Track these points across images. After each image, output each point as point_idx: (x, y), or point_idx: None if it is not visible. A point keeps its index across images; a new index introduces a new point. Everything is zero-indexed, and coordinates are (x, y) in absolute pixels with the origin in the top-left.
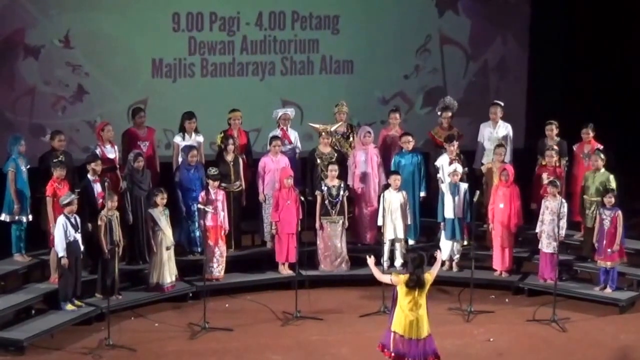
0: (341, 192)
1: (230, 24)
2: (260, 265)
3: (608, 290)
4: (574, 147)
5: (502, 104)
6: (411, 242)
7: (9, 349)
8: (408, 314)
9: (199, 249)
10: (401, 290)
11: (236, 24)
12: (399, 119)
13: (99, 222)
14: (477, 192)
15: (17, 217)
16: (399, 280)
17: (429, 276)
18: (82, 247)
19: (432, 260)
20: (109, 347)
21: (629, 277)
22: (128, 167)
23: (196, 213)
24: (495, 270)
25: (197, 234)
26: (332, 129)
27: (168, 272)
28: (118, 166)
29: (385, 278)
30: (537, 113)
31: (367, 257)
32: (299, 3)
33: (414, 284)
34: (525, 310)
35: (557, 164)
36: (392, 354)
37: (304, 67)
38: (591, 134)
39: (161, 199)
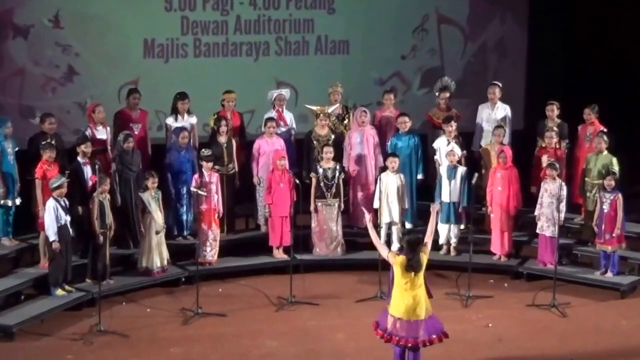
0: (337, 175)
1: (224, 3)
2: (254, 249)
3: (609, 274)
4: (579, 128)
5: (501, 84)
6: (408, 225)
7: None
8: (405, 294)
9: (188, 233)
10: (397, 270)
11: (229, 3)
12: (393, 99)
13: (91, 205)
14: (476, 175)
15: (2, 201)
16: (396, 260)
17: (425, 255)
18: (71, 231)
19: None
20: (100, 333)
21: (631, 261)
22: (117, 149)
23: (185, 196)
24: (494, 255)
25: (185, 217)
26: (329, 111)
27: (158, 257)
28: (109, 148)
29: (382, 249)
30: (536, 94)
31: (366, 213)
32: None
33: (411, 268)
34: (525, 295)
35: (557, 146)
36: (385, 335)
37: (299, 47)
38: (594, 116)
39: (152, 182)
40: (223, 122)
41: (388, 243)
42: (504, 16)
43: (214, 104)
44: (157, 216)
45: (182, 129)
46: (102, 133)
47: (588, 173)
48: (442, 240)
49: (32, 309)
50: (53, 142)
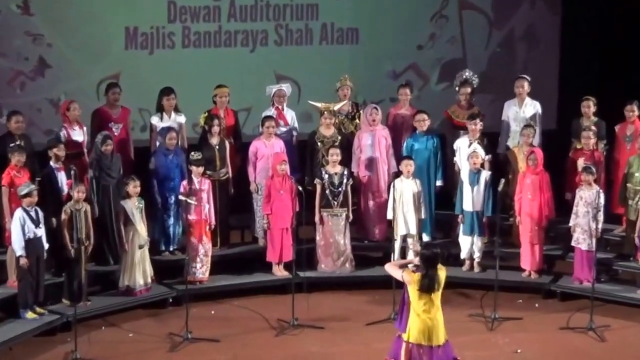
0: (344, 181)
1: None
2: (251, 266)
3: None
4: (616, 128)
5: (530, 78)
6: (426, 237)
7: None
8: (424, 318)
9: (176, 247)
10: (414, 291)
11: None
12: (409, 95)
13: (63, 216)
14: (502, 181)
15: None
16: (412, 279)
17: (443, 273)
18: (46, 245)
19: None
20: None
21: None
22: (95, 152)
23: (173, 205)
24: (524, 271)
25: (173, 229)
26: (336, 108)
27: (141, 274)
28: (86, 151)
29: (396, 272)
30: (571, 89)
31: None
32: None
33: (427, 287)
34: (558, 317)
35: (595, 148)
36: None
37: (302, 36)
38: (636, 113)
39: (133, 187)
40: (215, 121)
41: (403, 258)
42: (534, 0)
43: (205, 100)
44: (140, 228)
45: (169, 129)
46: (78, 134)
47: (630, 178)
48: (464, 255)
49: None
50: (22, 144)
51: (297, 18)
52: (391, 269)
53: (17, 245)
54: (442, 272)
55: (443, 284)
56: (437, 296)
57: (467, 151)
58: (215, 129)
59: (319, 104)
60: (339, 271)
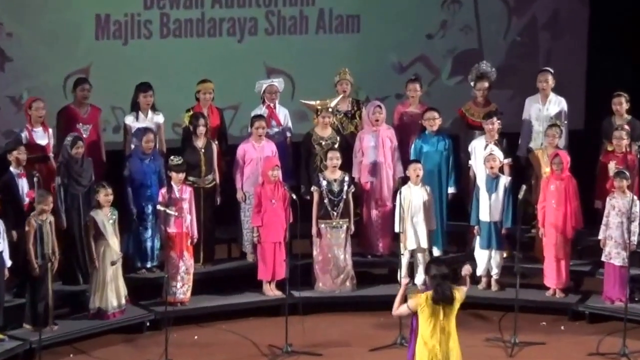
0: (345, 188)
1: None
2: (238, 285)
3: None
4: None
5: (553, 71)
6: (437, 252)
7: None
8: (433, 347)
9: (154, 264)
10: (422, 315)
11: None
12: (419, 91)
13: (27, 228)
14: (523, 187)
15: None
16: (420, 301)
17: (458, 294)
18: (8, 263)
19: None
20: None
21: None
22: (63, 155)
23: (150, 216)
24: (548, 289)
25: (151, 244)
26: (332, 105)
27: (114, 294)
28: (52, 155)
29: (402, 309)
30: (600, 83)
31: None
32: None
33: (441, 297)
34: (587, 341)
35: (628, 150)
36: None
37: (296, 24)
38: None
39: (105, 196)
40: (201, 121)
41: (411, 275)
42: None
43: (187, 97)
44: (113, 242)
45: (146, 130)
46: (42, 136)
47: None
48: (480, 271)
49: None
50: None
51: (291, 4)
52: (398, 310)
53: None
54: (457, 294)
55: (457, 306)
56: (448, 322)
57: (483, 154)
58: (201, 129)
59: (312, 102)
60: (338, 290)
